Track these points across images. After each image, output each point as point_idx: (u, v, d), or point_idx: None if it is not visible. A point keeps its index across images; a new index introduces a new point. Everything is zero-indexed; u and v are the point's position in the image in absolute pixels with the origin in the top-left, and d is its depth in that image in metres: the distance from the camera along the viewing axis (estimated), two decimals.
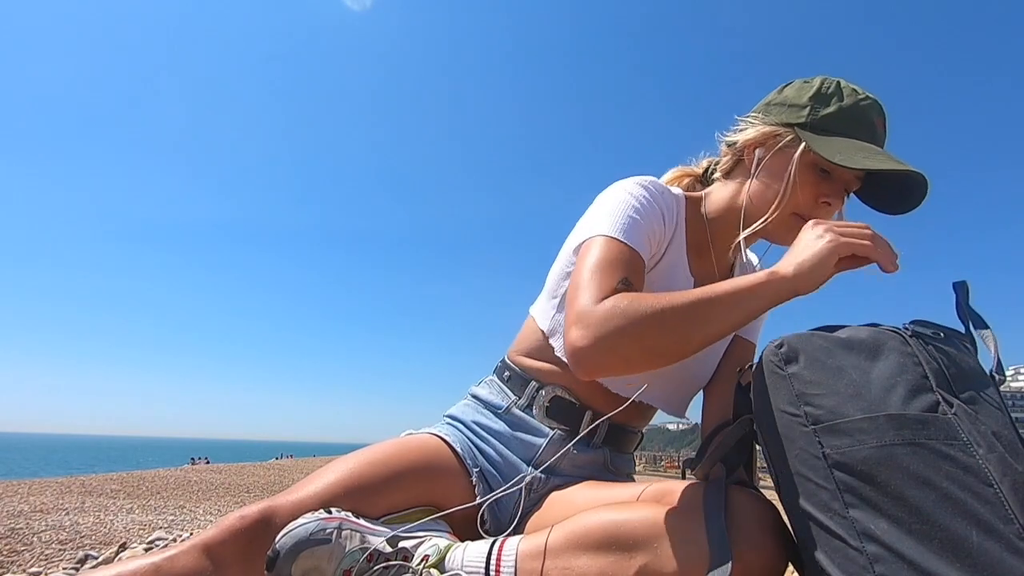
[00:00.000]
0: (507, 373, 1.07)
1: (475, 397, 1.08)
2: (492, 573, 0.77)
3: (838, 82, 0.95)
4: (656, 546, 0.72)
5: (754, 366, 0.80)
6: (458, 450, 0.98)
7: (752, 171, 0.97)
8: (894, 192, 0.93)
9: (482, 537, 0.86)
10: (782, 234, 0.96)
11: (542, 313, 1.05)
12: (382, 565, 0.77)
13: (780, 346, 0.76)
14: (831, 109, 0.92)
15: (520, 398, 1.02)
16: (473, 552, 0.80)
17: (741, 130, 1.00)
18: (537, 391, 1.01)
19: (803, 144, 0.91)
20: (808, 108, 0.93)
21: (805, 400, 0.71)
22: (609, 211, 0.93)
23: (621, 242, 0.89)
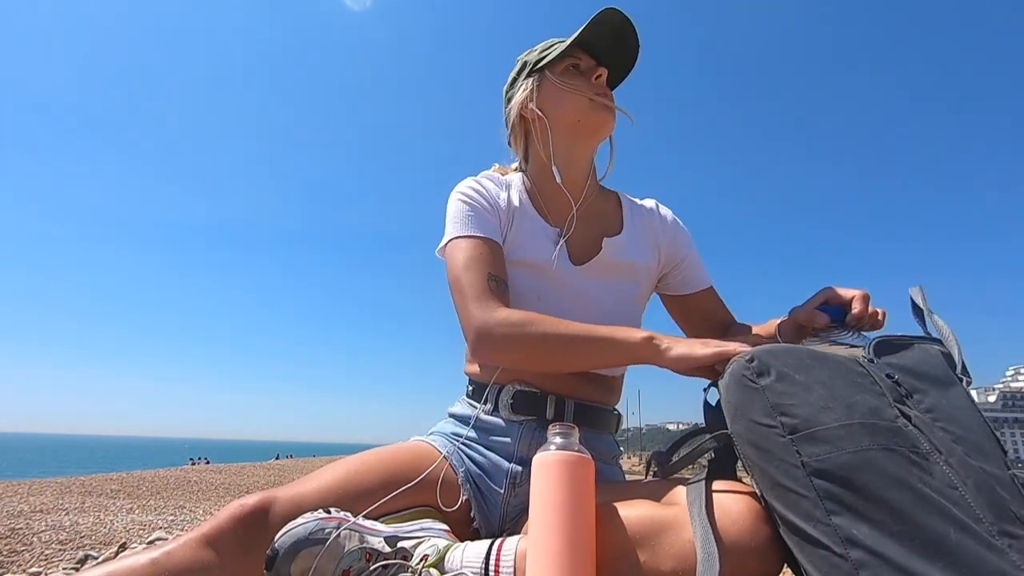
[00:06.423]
0: (469, 387, 1.11)
1: (451, 415, 1.13)
2: (491, 573, 0.77)
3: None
4: (651, 544, 0.73)
5: (721, 382, 0.79)
6: (445, 454, 1.01)
7: (536, 121, 1.12)
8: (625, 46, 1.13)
9: (478, 538, 0.86)
10: (592, 118, 1.09)
11: None
12: (381, 565, 0.77)
13: (751, 360, 0.76)
14: (556, 39, 1.13)
15: (485, 404, 1.05)
16: (472, 552, 0.80)
17: (508, 110, 1.18)
18: (499, 393, 1.04)
19: (547, 66, 1.11)
20: (538, 52, 1.13)
21: (780, 411, 0.71)
22: (451, 217, 1.06)
23: (471, 237, 1.01)
